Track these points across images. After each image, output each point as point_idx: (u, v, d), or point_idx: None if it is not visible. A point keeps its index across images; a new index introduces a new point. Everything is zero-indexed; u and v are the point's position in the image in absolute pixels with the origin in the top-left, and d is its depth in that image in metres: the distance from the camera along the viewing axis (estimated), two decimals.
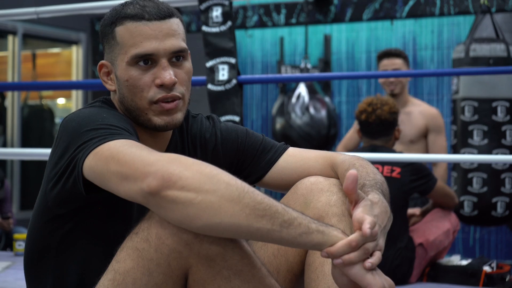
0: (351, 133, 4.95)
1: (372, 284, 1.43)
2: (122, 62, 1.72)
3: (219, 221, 1.40)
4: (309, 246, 1.44)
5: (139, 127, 1.78)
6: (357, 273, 1.43)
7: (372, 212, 1.50)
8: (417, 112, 4.80)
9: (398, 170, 3.86)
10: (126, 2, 1.77)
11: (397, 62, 4.75)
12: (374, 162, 3.79)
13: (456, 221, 4.14)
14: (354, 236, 1.44)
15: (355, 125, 4.89)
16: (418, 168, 3.91)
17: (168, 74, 1.71)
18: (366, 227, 1.44)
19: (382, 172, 3.84)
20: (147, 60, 1.71)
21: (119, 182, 1.46)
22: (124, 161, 1.46)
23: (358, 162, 1.79)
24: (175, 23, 1.74)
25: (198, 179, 1.40)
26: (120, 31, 1.72)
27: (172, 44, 1.72)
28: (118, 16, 1.73)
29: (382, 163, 3.86)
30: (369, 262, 1.43)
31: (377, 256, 1.45)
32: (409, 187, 3.86)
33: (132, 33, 1.71)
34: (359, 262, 1.43)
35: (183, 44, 1.74)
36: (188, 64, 1.78)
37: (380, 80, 4.87)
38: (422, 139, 4.79)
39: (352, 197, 1.53)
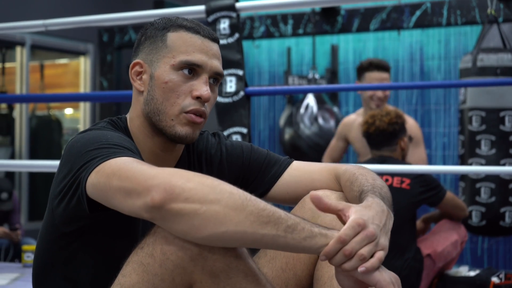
0: (334, 142, 4.92)
1: (381, 280, 1.43)
2: (165, 64, 1.77)
3: (225, 230, 1.41)
4: (314, 250, 1.45)
5: (152, 139, 1.81)
6: (362, 274, 1.43)
7: (364, 215, 1.48)
8: None
9: (407, 181, 3.87)
10: (178, 17, 1.85)
11: (386, 77, 4.61)
12: (383, 174, 3.80)
13: (464, 232, 4.14)
14: (342, 231, 1.44)
15: (337, 135, 4.91)
16: (428, 180, 3.92)
17: (207, 89, 1.77)
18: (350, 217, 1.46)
19: (391, 184, 3.86)
20: (191, 70, 1.77)
21: (122, 198, 1.47)
22: (126, 176, 1.47)
23: (358, 171, 1.80)
24: (219, 50, 1.85)
25: (201, 190, 1.41)
26: (173, 36, 1.79)
27: (217, 65, 1.81)
28: (173, 24, 1.81)
29: (392, 175, 3.87)
30: (363, 266, 1.42)
31: (376, 258, 1.44)
32: (419, 199, 3.88)
33: (185, 41, 1.78)
34: (355, 269, 1.43)
35: (223, 70, 1.84)
36: (217, 90, 1.86)
37: (368, 93, 4.64)
38: None
39: (331, 211, 1.52)
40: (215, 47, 1.81)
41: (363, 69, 4.67)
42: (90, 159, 1.56)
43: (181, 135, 1.77)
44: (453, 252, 4.01)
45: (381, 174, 3.84)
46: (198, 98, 1.76)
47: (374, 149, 4.05)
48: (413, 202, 3.87)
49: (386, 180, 3.85)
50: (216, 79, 1.82)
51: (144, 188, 1.43)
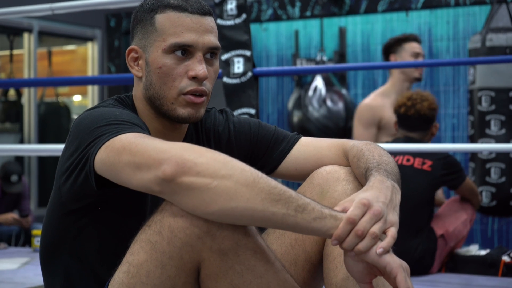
0: (362, 132, 4.86)
1: (391, 262, 1.42)
2: (157, 49, 1.74)
3: (235, 206, 1.40)
4: (323, 232, 1.43)
5: (157, 119, 1.80)
6: (373, 255, 1.42)
7: (368, 195, 1.48)
8: None
9: (429, 163, 3.87)
10: None
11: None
12: (407, 154, 3.82)
13: (472, 210, 4.16)
14: (349, 212, 1.43)
15: (365, 123, 4.84)
16: (451, 163, 3.94)
17: (202, 68, 1.73)
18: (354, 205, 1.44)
19: (412, 164, 3.87)
20: (184, 51, 1.73)
21: (132, 172, 1.46)
22: (137, 150, 1.46)
23: (365, 146, 1.78)
24: (212, 21, 1.79)
25: (213, 165, 1.41)
26: (161, 18, 1.74)
27: (210, 40, 1.75)
28: (160, 4, 1.76)
29: (414, 155, 3.87)
30: (381, 247, 1.42)
31: (390, 236, 1.44)
32: (439, 181, 3.91)
33: (173, 22, 1.73)
34: (369, 249, 1.42)
35: (218, 42, 1.78)
36: (217, 63, 1.81)
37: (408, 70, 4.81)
38: None
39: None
40: (206, 21, 1.76)
41: (400, 41, 4.81)
42: (99, 135, 1.55)
43: (184, 117, 1.75)
44: (464, 231, 4.03)
45: (403, 153, 3.86)
46: (194, 78, 1.73)
47: (407, 130, 4.03)
48: (433, 184, 3.90)
49: (408, 160, 3.86)
50: (213, 53, 1.78)
51: (155, 162, 1.42)
